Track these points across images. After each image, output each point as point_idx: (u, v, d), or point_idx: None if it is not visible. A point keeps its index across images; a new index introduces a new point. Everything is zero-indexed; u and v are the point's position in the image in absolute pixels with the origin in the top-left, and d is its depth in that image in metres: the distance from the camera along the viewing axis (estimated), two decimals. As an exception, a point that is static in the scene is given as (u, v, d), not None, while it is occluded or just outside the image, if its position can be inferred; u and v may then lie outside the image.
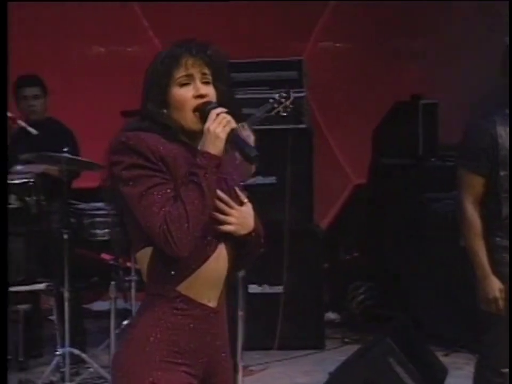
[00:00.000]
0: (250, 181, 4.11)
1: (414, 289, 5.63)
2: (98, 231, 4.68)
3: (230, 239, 2.22)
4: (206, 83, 2.19)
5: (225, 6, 6.42)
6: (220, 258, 2.20)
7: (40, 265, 4.85)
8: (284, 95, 4.06)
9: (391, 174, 6.06)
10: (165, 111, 2.18)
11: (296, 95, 5.53)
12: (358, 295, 5.99)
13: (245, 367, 4.06)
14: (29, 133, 4.65)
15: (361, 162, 6.46)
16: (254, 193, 4.97)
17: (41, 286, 4.79)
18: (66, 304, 4.55)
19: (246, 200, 2.27)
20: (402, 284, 5.77)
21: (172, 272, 2.14)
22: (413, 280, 5.65)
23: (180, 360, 2.15)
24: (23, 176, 4.82)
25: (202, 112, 2.17)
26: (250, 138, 3.95)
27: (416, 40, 6.91)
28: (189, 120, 2.18)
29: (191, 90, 2.17)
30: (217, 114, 2.15)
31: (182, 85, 2.16)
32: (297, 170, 5.42)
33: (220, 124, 2.14)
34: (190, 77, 2.16)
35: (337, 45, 7.07)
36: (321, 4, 6.62)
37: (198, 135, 2.18)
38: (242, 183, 2.34)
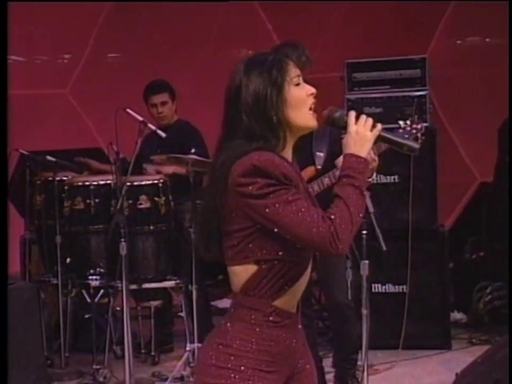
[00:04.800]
0: (372, 179, 4.05)
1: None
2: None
3: None
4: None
5: (346, 4, 6.46)
6: (308, 270, 2.27)
7: (169, 263, 5.03)
8: (415, 126, 3.89)
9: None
10: (274, 116, 2.19)
11: (419, 93, 5.52)
12: (485, 295, 5.88)
13: (369, 366, 4.06)
14: (159, 135, 4.81)
15: (486, 160, 6.34)
16: (377, 192, 4.96)
17: (171, 283, 4.97)
18: (194, 301, 4.70)
19: None
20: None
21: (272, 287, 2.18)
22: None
23: (272, 368, 2.21)
24: (153, 177, 5.01)
25: (338, 116, 2.30)
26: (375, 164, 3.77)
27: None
28: (307, 118, 2.25)
29: (303, 89, 2.25)
30: (357, 117, 2.25)
31: (296, 84, 2.25)
32: (420, 169, 5.38)
33: (367, 127, 2.24)
34: (300, 77, 2.26)
35: (459, 41, 6.97)
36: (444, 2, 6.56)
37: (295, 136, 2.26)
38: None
